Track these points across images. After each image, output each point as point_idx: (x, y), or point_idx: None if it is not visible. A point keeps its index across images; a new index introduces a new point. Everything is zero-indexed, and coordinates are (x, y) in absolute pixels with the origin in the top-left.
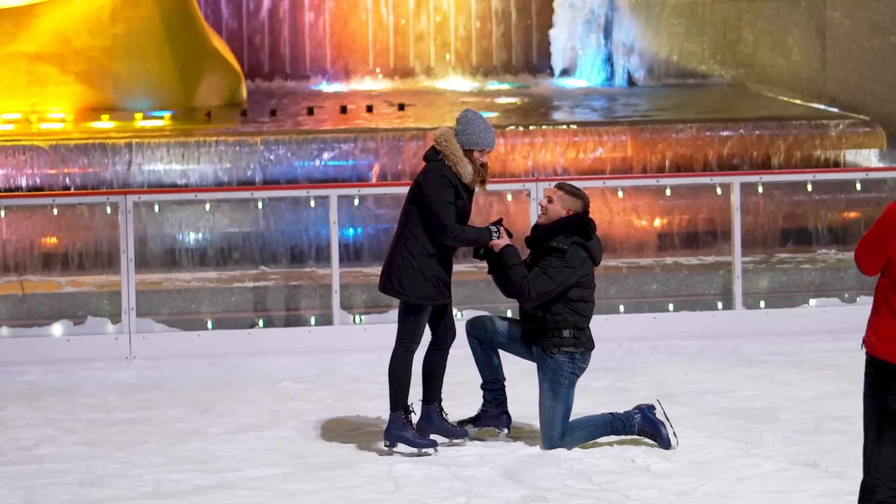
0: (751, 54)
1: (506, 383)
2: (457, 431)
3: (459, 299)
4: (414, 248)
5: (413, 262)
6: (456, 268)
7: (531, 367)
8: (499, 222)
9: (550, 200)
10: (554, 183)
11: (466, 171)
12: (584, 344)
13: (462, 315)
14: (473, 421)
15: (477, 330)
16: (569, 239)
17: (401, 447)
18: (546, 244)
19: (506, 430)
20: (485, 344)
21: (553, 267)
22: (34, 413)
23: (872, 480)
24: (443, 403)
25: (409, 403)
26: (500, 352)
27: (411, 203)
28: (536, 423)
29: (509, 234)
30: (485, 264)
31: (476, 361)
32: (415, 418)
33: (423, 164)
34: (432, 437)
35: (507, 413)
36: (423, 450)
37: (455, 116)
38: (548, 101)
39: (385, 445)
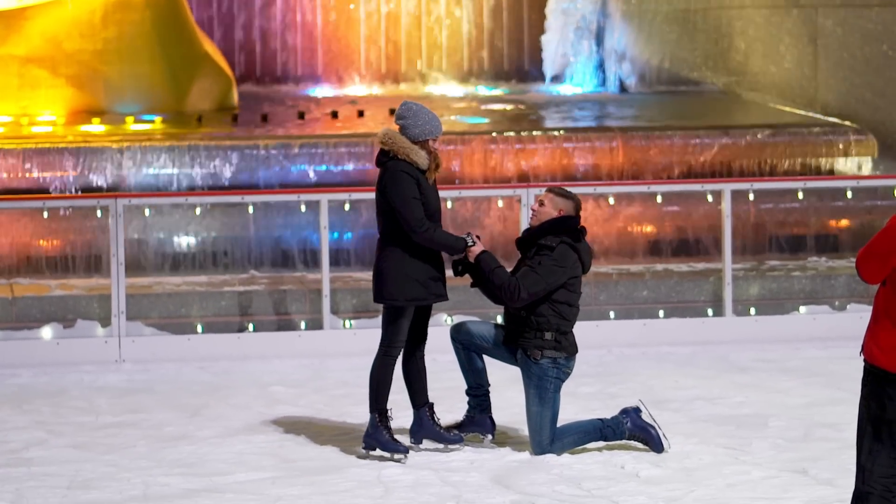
0: (743, 62)
1: (490, 389)
2: (450, 437)
3: (448, 305)
4: (393, 252)
5: (394, 266)
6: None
7: (518, 372)
8: (469, 234)
9: (542, 204)
10: (545, 188)
11: (420, 157)
12: (567, 349)
13: (452, 320)
14: (458, 427)
15: (461, 335)
16: (557, 238)
17: (378, 451)
18: (535, 243)
19: (490, 436)
20: (469, 349)
21: (543, 265)
22: (23, 416)
23: (866, 489)
24: (433, 408)
25: (388, 408)
26: (486, 357)
27: (380, 209)
28: (525, 429)
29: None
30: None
31: (461, 367)
32: (395, 423)
33: (378, 169)
34: (425, 441)
35: (491, 419)
36: (395, 455)
37: (397, 114)
38: (539, 108)
39: (362, 448)
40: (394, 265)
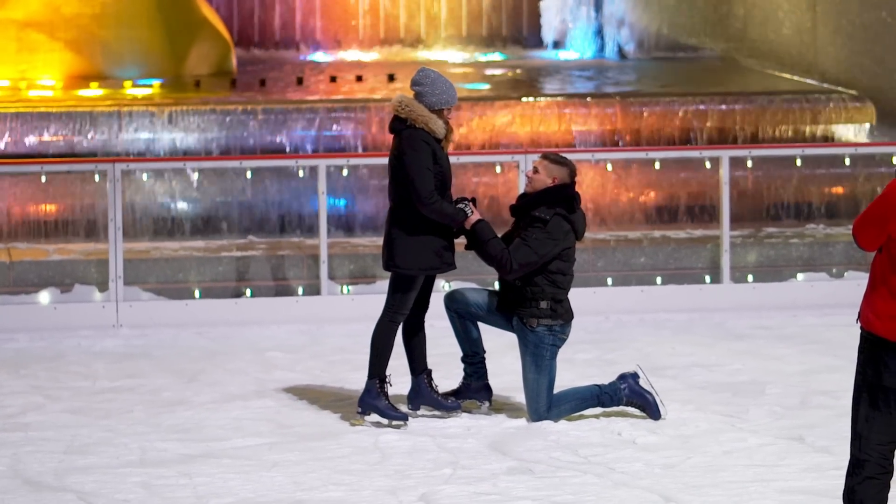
0: (741, 28)
1: (486, 356)
2: (447, 404)
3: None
4: (407, 220)
5: (408, 234)
6: None
7: (514, 338)
8: (465, 199)
9: (536, 171)
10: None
11: (439, 126)
12: (563, 316)
13: (450, 286)
14: (455, 394)
15: (455, 303)
16: (551, 210)
17: (374, 416)
18: (529, 214)
19: (487, 403)
20: (463, 317)
21: (535, 238)
22: (20, 381)
23: (862, 456)
24: (432, 375)
25: (388, 374)
26: (481, 324)
27: (394, 175)
28: (521, 395)
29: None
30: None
31: (456, 335)
32: (393, 390)
33: (392, 136)
34: (423, 408)
35: (487, 386)
36: (393, 422)
37: (413, 80)
38: (538, 74)
39: (357, 412)
40: (407, 233)
